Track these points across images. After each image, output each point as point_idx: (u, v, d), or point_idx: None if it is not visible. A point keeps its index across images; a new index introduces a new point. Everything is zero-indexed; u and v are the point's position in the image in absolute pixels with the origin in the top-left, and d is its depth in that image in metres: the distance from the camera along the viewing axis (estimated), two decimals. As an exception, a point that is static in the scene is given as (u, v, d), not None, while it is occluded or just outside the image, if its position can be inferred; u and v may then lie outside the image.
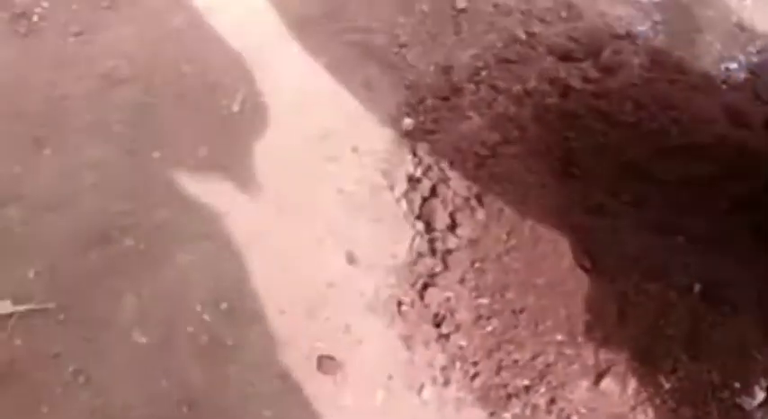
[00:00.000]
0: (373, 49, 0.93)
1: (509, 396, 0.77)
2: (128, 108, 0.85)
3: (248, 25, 0.92)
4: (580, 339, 0.79)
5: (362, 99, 0.90)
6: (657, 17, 1.05)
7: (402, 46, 0.94)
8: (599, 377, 0.79)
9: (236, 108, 0.86)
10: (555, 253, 0.81)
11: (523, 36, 0.97)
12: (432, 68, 0.93)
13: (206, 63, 0.89)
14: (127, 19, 0.90)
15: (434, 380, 0.77)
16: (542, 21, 1.01)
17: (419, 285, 0.81)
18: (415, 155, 0.88)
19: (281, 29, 0.92)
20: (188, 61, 0.89)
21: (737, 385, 0.82)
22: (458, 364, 0.78)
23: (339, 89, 0.90)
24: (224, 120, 0.85)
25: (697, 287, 0.85)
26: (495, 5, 0.99)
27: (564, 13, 1.02)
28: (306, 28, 0.93)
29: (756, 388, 0.82)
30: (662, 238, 0.86)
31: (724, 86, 1.01)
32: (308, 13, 0.94)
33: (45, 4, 0.90)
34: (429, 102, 0.91)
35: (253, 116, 0.86)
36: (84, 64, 0.86)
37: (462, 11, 0.98)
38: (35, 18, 0.88)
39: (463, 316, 0.79)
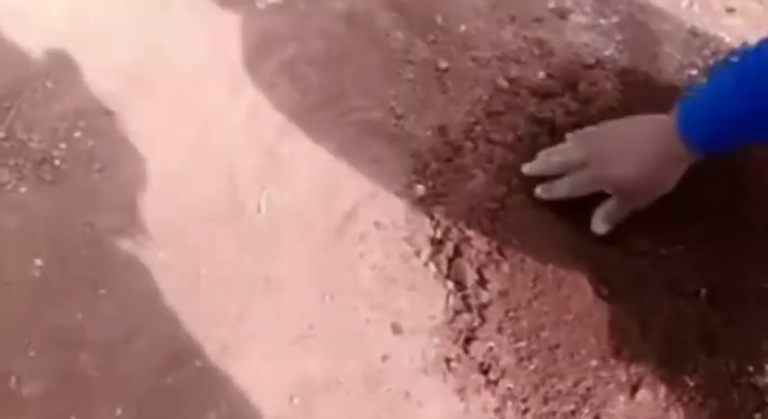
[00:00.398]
0: (373, 125, 1.01)
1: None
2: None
3: (258, 126, 0.99)
4: (612, 361, 0.90)
5: (374, 174, 0.99)
6: (619, 37, 1.14)
7: (399, 117, 1.02)
8: (633, 390, 0.90)
9: (263, 210, 0.94)
10: (578, 289, 0.91)
11: (505, 83, 1.06)
12: (429, 133, 1.02)
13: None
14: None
15: (484, 402, 0.89)
16: (518, 62, 1.09)
17: (461, 340, 0.91)
18: (432, 218, 0.97)
19: (288, 124, 0.99)
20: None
21: (751, 368, 0.94)
22: (509, 404, 0.89)
23: (351, 170, 0.98)
24: (254, 223, 0.93)
25: (703, 291, 0.96)
26: (474, 59, 1.07)
27: (536, 51, 1.11)
28: (311, 117, 1.00)
29: (767, 367, 0.95)
30: (666, 250, 0.97)
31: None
32: (309, 103, 1.01)
33: (62, 146, 0.96)
34: (434, 166, 0.99)
35: (280, 215, 0.94)
36: (113, 197, 0.93)
37: (445, 70, 1.06)
38: (57, 162, 0.94)
39: (506, 361, 0.90)
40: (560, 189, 0.95)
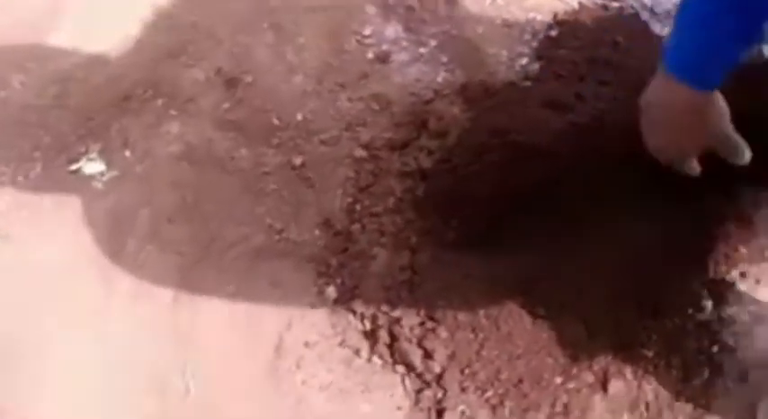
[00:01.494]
0: (259, 250, 1.02)
1: (553, 448, 0.93)
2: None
3: (145, 307, 0.99)
4: (574, 370, 0.94)
5: (282, 298, 0.99)
6: (444, 58, 1.19)
7: (280, 231, 1.03)
8: (604, 386, 0.95)
9: (191, 389, 0.94)
10: (516, 321, 0.94)
11: (363, 152, 1.08)
12: (316, 232, 1.03)
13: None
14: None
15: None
16: (365, 125, 1.12)
17: (434, 416, 0.94)
18: (355, 314, 0.99)
19: (178, 291, 0.99)
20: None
21: (690, 310, 1.00)
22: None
23: (258, 305, 0.98)
24: (185, 402, 0.93)
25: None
26: (323, 142, 1.10)
27: (376, 106, 1.14)
28: (196, 273, 0.99)
29: (703, 303, 1.01)
30: (575, 248, 1.02)
31: (528, 83, 1.17)
32: (187, 260, 1.00)
33: None
34: (334, 262, 1.01)
35: (209, 385, 0.94)
36: None
37: (302, 165, 1.07)
38: None
39: (482, 415, 0.93)
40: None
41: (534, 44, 1.19)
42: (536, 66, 1.17)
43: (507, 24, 1.20)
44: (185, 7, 1.18)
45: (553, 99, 1.11)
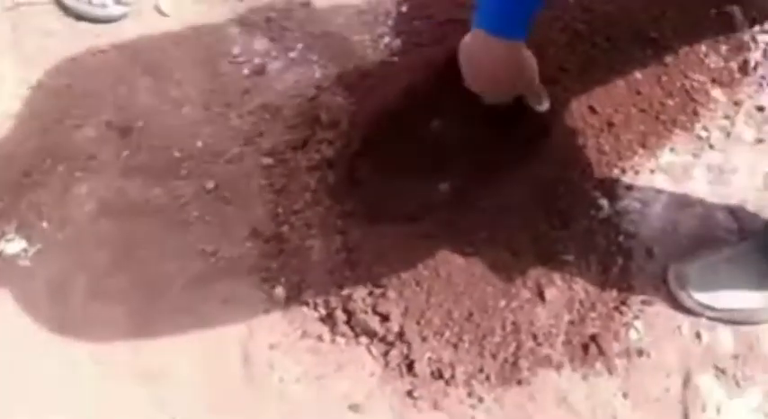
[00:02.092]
0: (199, 276, 1.07)
1: (515, 363, 1.04)
2: None
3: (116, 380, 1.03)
4: (512, 290, 1.06)
5: (235, 311, 1.06)
6: (314, 56, 1.28)
7: (213, 253, 1.09)
8: (541, 296, 1.07)
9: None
10: (451, 263, 1.05)
11: (269, 160, 1.16)
12: (249, 244, 1.10)
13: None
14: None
15: (461, 401, 1.02)
16: (261, 135, 1.20)
17: (405, 371, 1.03)
18: (308, 305, 1.07)
19: (139, 337, 1.04)
20: None
21: (593, 212, 1.15)
22: (474, 383, 1.03)
23: (215, 325, 1.05)
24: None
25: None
26: (229, 161, 1.16)
27: (267, 115, 1.22)
28: (149, 321, 1.04)
29: (600, 202, 1.16)
30: (480, 189, 1.15)
31: (395, 58, 1.29)
32: (132, 309, 1.05)
33: None
34: (274, 265, 1.08)
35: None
36: None
37: (215, 187, 1.14)
38: None
39: (446, 356, 1.03)
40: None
41: (390, 23, 1.31)
42: (398, 41, 1.29)
43: (361, 11, 1.31)
44: (54, 74, 1.22)
45: (419, 68, 1.23)
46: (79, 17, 1.27)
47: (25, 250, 1.08)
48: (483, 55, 0.98)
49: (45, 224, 1.10)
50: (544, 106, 1.10)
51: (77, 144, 1.15)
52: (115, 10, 1.28)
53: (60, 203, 1.11)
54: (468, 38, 1.00)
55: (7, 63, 1.21)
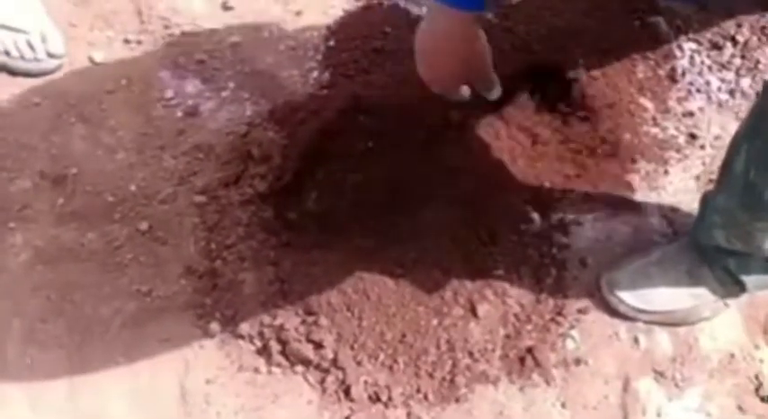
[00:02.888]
0: (135, 317, 1.10)
1: (452, 380, 1.06)
2: None
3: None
4: (444, 309, 1.09)
5: (174, 349, 1.07)
6: (246, 94, 1.32)
7: (147, 293, 1.12)
8: (473, 312, 1.10)
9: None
10: (381, 286, 1.08)
11: (202, 198, 1.19)
12: (183, 281, 1.13)
13: None
14: None
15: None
16: (194, 174, 1.24)
17: (342, 395, 1.05)
18: (243, 337, 1.09)
19: (74, 379, 1.06)
20: None
21: (523, 226, 1.19)
22: (412, 404, 1.05)
23: (151, 363, 1.07)
24: None
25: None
26: (162, 201, 1.20)
27: (201, 155, 1.26)
28: (86, 352, 1.07)
29: (531, 216, 1.20)
30: (406, 211, 1.19)
31: (324, 91, 1.34)
32: (71, 344, 1.08)
33: None
34: (208, 301, 1.10)
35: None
36: None
37: (149, 228, 1.17)
38: None
39: (382, 379, 1.05)
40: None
41: (319, 57, 1.37)
42: (326, 74, 1.34)
43: (291, 48, 1.37)
44: (-11, 128, 1.27)
45: (350, 97, 1.29)
46: (14, 73, 1.33)
47: (-40, 303, 1.11)
48: (442, 31, 0.99)
49: (-21, 276, 1.13)
50: (495, 94, 1.12)
51: (11, 196, 1.19)
52: (49, 63, 1.33)
53: (-5, 254, 1.15)
54: (425, 20, 1.02)
55: (-58, 121, 1.27)
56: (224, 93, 1.33)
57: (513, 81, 1.30)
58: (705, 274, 1.11)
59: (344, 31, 1.39)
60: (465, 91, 1.11)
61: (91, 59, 1.36)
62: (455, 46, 1.02)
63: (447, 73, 1.06)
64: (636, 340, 1.12)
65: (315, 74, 1.35)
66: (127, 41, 1.38)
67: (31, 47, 1.32)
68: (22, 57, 1.32)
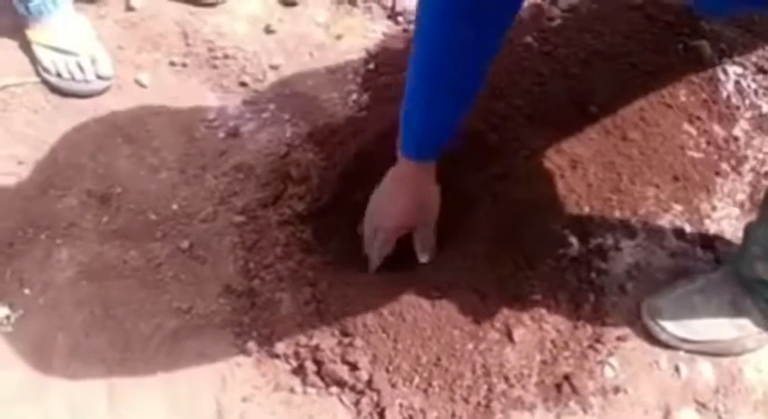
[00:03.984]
0: (174, 333, 1.13)
1: (488, 406, 1.07)
2: None
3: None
4: (480, 333, 1.10)
5: (210, 366, 1.11)
6: (286, 116, 1.37)
7: (187, 311, 1.15)
8: (509, 337, 1.10)
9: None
10: (417, 309, 1.10)
11: (242, 218, 1.24)
12: (222, 300, 1.16)
13: None
14: None
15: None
16: (235, 195, 1.28)
17: (377, 418, 1.07)
18: (278, 357, 1.12)
19: (114, 392, 1.10)
20: None
21: (561, 251, 1.20)
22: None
23: (189, 380, 1.10)
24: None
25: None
26: (203, 220, 1.25)
27: (240, 175, 1.31)
28: (127, 367, 1.11)
29: (569, 240, 1.21)
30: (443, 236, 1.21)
31: (363, 113, 1.38)
32: (112, 358, 1.12)
33: None
34: (246, 320, 1.14)
35: None
36: None
37: (190, 246, 1.22)
38: None
39: (417, 402, 1.06)
40: (374, 258, 1.18)
41: (359, 80, 1.41)
42: (365, 97, 1.38)
43: (331, 71, 1.42)
44: (39, 148, 1.33)
45: (388, 120, 1.32)
46: (64, 94, 1.40)
47: (8, 317, 1.16)
48: (405, 176, 1.11)
49: (27, 291, 1.18)
50: (427, 257, 1.17)
51: (59, 213, 1.25)
52: (98, 85, 1.40)
53: (41, 270, 1.19)
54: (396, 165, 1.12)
55: (-3, 140, 1.34)
56: (265, 115, 1.38)
57: (551, 105, 1.33)
58: (749, 306, 1.10)
59: (384, 54, 1.43)
60: (390, 241, 1.17)
61: (138, 81, 1.42)
62: (413, 190, 1.11)
63: (400, 211, 1.13)
64: (677, 369, 1.11)
65: (354, 96, 1.39)
66: (173, 64, 1.45)
67: (81, 69, 1.39)
68: (73, 79, 1.39)
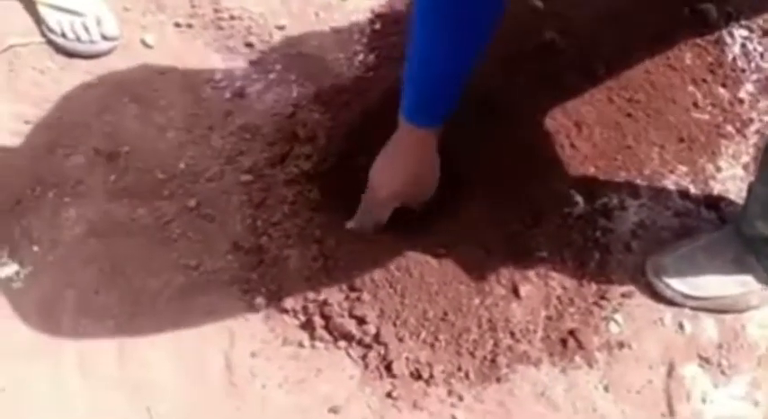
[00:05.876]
0: (184, 289, 1.13)
1: (493, 360, 1.07)
2: None
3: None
4: (486, 288, 1.10)
5: (216, 323, 1.11)
6: (293, 76, 1.35)
7: (195, 267, 1.15)
8: (515, 293, 1.10)
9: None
10: (424, 264, 1.09)
11: (248, 176, 1.22)
12: (230, 257, 1.15)
13: None
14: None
15: (441, 400, 1.05)
16: (242, 154, 1.27)
17: (384, 372, 1.06)
18: (287, 312, 1.11)
19: (124, 348, 1.10)
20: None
21: (567, 209, 1.19)
22: (453, 382, 1.06)
23: (197, 335, 1.10)
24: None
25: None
26: (210, 179, 1.23)
27: (246, 135, 1.28)
28: (136, 323, 1.11)
29: (575, 200, 1.20)
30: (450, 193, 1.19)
31: (370, 73, 1.36)
32: (122, 315, 1.12)
33: None
34: (254, 275, 1.13)
35: None
36: None
37: (197, 205, 1.20)
38: None
39: (423, 356, 1.06)
40: (359, 220, 1.15)
41: (364, 40, 1.38)
42: (371, 57, 1.36)
43: (336, 31, 1.39)
44: (46, 108, 1.31)
45: (394, 80, 1.30)
46: (70, 54, 1.38)
47: (17, 273, 1.15)
48: (404, 143, 1.06)
49: (36, 248, 1.17)
50: None
51: (66, 172, 1.23)
52: (103, 45, 1.37)
53: (50, 227, 1.18)
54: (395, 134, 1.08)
55: (3, 100, 1.31)
56: (271, 76, 1.36)
57: (557, 67, 1.30)
58: (751, 263, 1.09)
59: (389, 14, 1.41)
60: (384, 217, 1.14)
61: (143, 42, 1.40)
62: (411, 156, 1.07)
63: (399, 179, 1.09)
64: (681, 326, 1.11)
65: (360, 56, 1.37)
66: (178, 25, 1.42)
67: (86, 29, 1.37)
68: (78, 39, 1.37)
